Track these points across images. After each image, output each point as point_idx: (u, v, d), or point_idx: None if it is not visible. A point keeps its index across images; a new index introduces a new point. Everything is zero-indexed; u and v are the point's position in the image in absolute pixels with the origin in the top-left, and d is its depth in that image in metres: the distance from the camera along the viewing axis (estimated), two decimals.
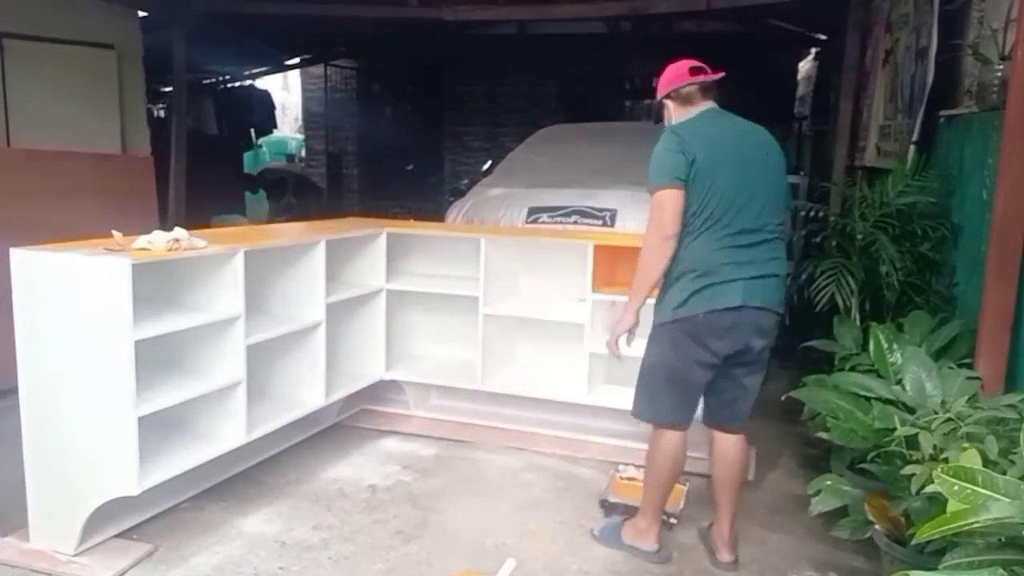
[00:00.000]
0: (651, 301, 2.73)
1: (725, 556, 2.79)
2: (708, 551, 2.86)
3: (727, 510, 2.80)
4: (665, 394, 2.70)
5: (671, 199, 2.54)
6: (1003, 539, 1.68)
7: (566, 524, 3.05)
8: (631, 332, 2.77)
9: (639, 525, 2.83)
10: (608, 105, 10.36)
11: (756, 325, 2.59)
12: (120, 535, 2.82)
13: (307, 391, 3.56)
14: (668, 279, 2.64)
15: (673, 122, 2.72)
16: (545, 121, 7.55)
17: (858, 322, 3.59)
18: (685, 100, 2.71)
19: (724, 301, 2.53)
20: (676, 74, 2.74)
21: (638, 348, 2.80)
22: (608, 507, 3.16)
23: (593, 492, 3.32)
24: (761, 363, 2.73)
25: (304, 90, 11.65)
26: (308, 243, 3.48)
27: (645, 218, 4.25)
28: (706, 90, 2.72)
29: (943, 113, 3.79)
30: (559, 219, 4.50)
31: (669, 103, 2.76)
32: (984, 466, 1.75)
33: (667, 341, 2.66)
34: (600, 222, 4.41)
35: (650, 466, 2.81)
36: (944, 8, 3.79)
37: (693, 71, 2.71)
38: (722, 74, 2.74)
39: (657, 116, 3.27)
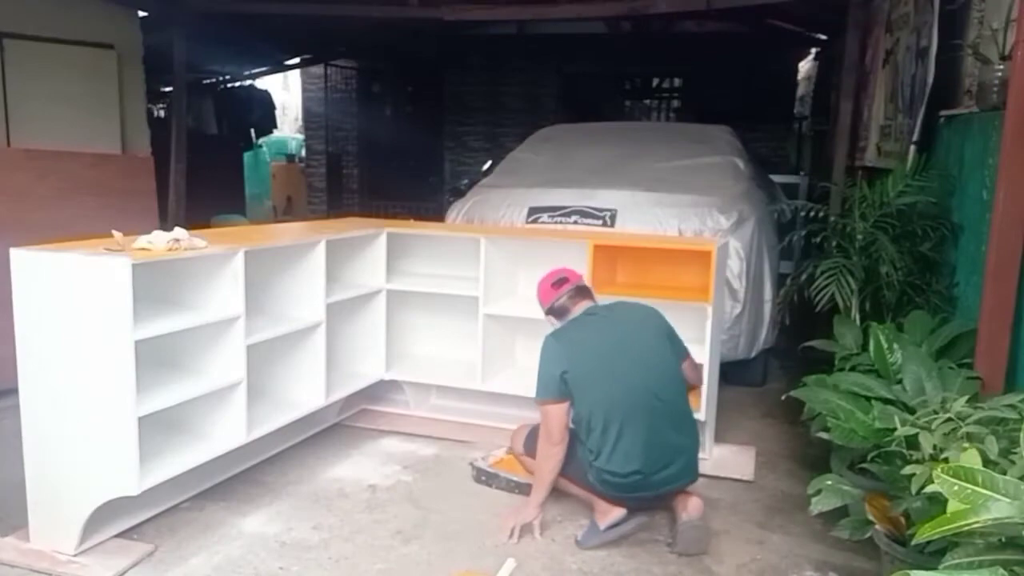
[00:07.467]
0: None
1: (684, 516, 2.83)
2: (672, 520, 2.93)
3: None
4: None
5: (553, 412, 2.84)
6: (1003, 539, 1.68)
7: (566, 524, 3.04)
8: (531, 524, 2.92)
9: (597, 508, 2.90)
10: (608, 105, 10.36)
11: None
12: (120, 535, 2.82)
13: (307, 391, 3.56)
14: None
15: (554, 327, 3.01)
16: (545, 121, 7.53)
17: (858, 322, 3.59)
18: (561, 311, 3.00)
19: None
20: (542, 292, 3.04)
21: None
22: (477, 471, 3.40)
23: None
24: None
25: (304, 90, 11.64)
26: (308, 243, 3.48)
27: (645, 218, 4.34)
28: (579, 293, 2.99)
29: (943, 113, 3.79)
30: (559, 219, 4.49)
31: (551, 317, 3.04)
32: (984, 466, 1.75)
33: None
34: (600, 222, 4.41)
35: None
36: (944, 8, 3.79)
37: (556, 284, 3.00)
38: (581, 278, 3.06)
39: None
